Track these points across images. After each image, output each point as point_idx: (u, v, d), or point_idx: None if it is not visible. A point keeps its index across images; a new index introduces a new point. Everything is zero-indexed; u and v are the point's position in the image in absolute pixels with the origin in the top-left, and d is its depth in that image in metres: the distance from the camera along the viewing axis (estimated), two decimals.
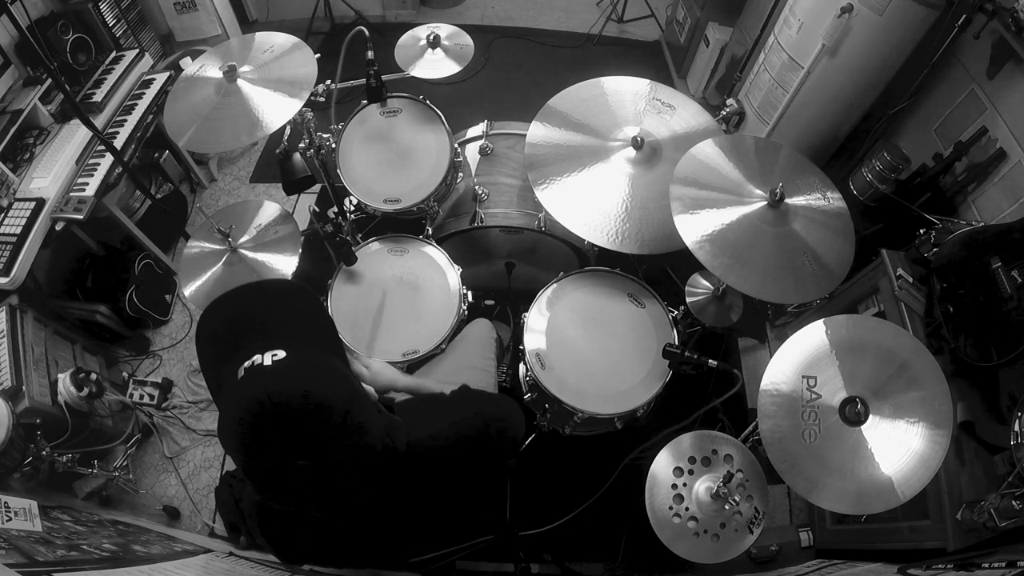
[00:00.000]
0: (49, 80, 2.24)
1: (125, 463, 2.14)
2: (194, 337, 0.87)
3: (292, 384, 0.69)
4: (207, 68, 1.68)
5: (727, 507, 1.32)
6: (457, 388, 1.13)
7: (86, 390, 1.93)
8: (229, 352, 0.75)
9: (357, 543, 0.97)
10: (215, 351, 0.83)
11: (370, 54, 1.67)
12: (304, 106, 1.60)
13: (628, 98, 1.85)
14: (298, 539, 0.93)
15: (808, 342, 1.30)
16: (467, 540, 1.45)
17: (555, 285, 1.81)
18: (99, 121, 2.33)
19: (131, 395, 2.33)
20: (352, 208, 2.13)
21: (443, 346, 1.73)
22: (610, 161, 1.73)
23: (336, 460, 0.71)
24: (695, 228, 1.46)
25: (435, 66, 1.90)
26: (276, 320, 0.84)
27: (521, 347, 1.71)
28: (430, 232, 1.94)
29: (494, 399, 1.11)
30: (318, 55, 1.66)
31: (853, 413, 1.23)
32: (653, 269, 2.13)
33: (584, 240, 1.73)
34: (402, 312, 1.78)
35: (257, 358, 0.71)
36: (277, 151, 1.97)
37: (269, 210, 1.81)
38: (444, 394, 1.12)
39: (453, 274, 1.84)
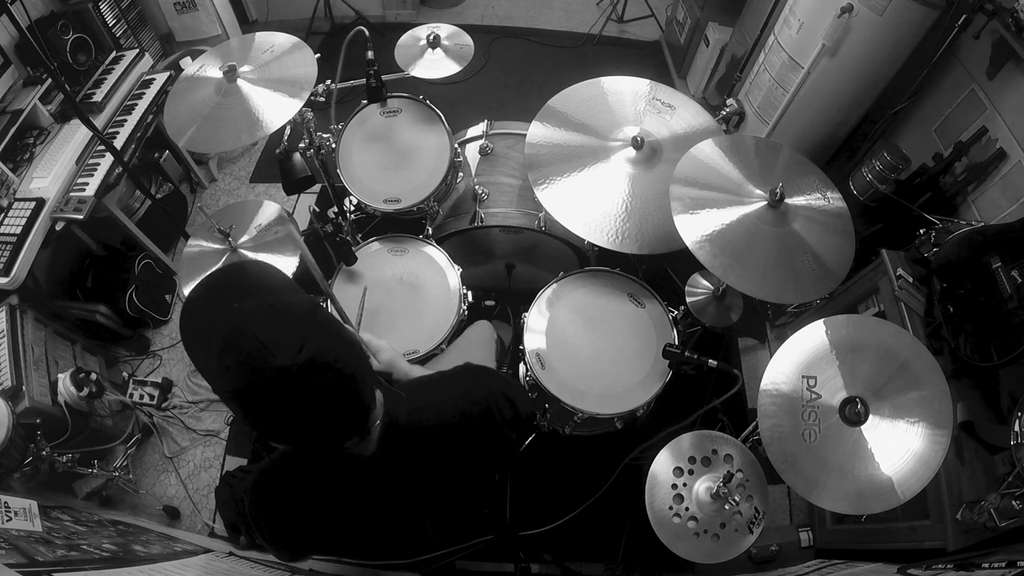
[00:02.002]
0: (49, 80, 2.24)
1: (125, 463, 2.14)
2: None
3: (255, 300, 0.74)
4: (207, 68, 1.68)
5: (727, 507, 1.32)
6: (459, 365, 1.13)
7: (86, 390, 1.93)
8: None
9: (359, 527, 0.97)
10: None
11: (370, 54, 1.67)
12: (304, 106, 1.60)
13: (628, 98, 1.85)
14: (299, 527, 0.93)
15: (808, 342, 1.30)
16: (467, 537, 1.45)
17: (555, 285, 1.81)
18: (99, 121, 2.33)
19: (131, 395, 2.33)
20: (352, 208, 2.13)
21: (443, 346, 1.73)
22: (610, 161, 1.73)
23: (307, 366, 0.68)
24: (695, 228, 1.46)
25: (435, 66, 1.90)
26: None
27: (521, 347, 1.71)
28: (430, 232, 1.94)
29: (495, 373, 1.10)
30: (318, 55, 1.66)
31: (853, 413, 1.23)
32: (653, 269, 2.13)
33: (584, 240, 1.73)
34: (402, 312, 1.78)
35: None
36: (277, 151, 1.97)
37: (269, 210, 1.81)
38: (447, 370, 1.11)
39: (453, 274, 1.84)
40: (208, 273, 0.85)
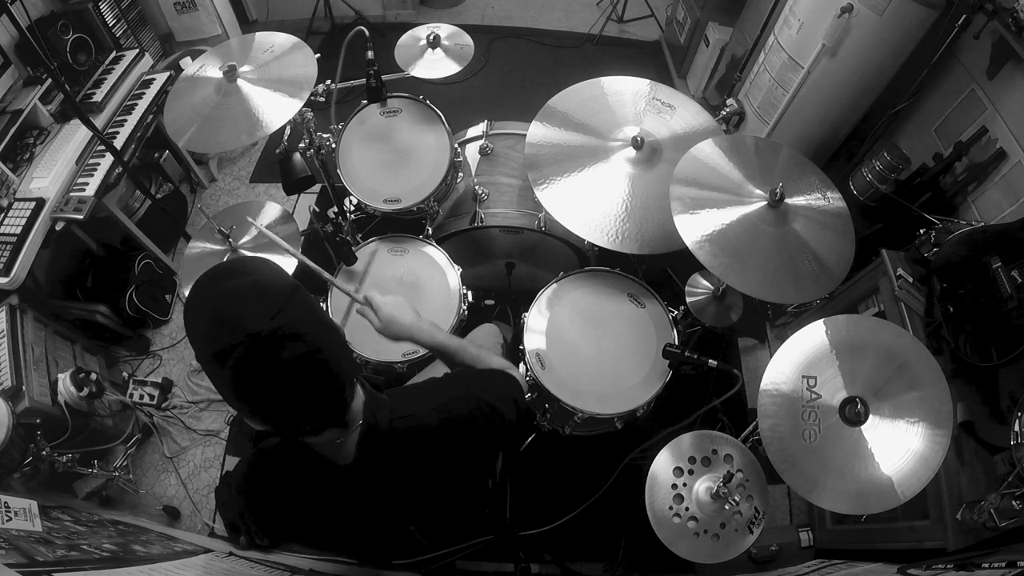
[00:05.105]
0: (49, 80, 2.24)
1: (125, 463, 2.14)
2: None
3: (243, 278, 0.76)
4: (207, 68, 1.68)
5: (727, 507, 1.32)
6: (450, 372, 1.12)
7: (86, 390, 1.93)
8: None
9: (338, 526, 0.97)
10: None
11: (370, 54, 1.67)
12: (304, 106, 1.60)
13: (628, 98, 1.85)
14: (281, 517, 0.93)
15: (808, 342, 1.30)
16: (467, 540, 1.45)
17: (555, 285, 1.81)
18: (99, 121, 2.33)
19: (131, 395, 2.33)
20: (352, 208, 2.13)
21: None
22: (610, 161, 1.73)
23: (276, 333, 0.70)
24: (695, 228, 1.46)
25: (435, 66, 1.90)
26: None
27: (521, 347, 1.71)
28: (430, 232, 1.94)
29: (487, 377, 1.08)
30: (318, 55, 1.66)
31: (853, 413, 1.23)
32: (653, 269, 2.13)
33: (584, 240, 1.73)
34: None
35: None
36: (277, 151, 1.97)
37: (270, 211, 1.81)
38: (437, 378, 1.10)
39: (453, 274, 1.84)
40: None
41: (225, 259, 1.69)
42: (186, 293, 1.67)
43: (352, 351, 0.92)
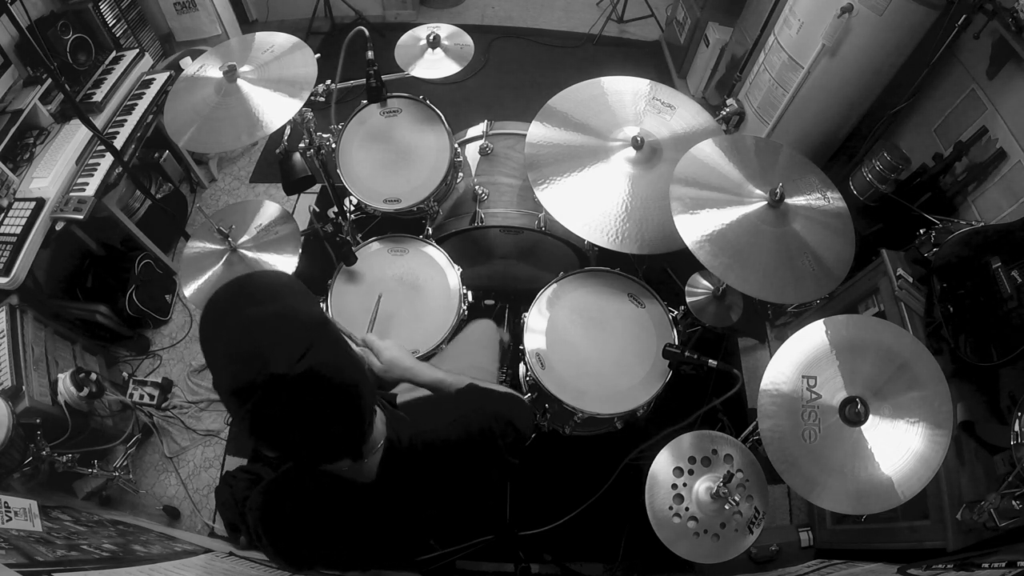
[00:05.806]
0: (49, 80, 2.24)
1: (125, 463, 2.14)
2: (198, 339, 0.87)
3: (267, 306, 0.72)
4: (207, 68, 1.68)
5: (727, 507, 1.32)
6: (463, 387, 1.13)
7: (86, 390, 1.93)
8: None
9: (363, 544, 0.97)
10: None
11: (370, 54, 1.67)
12: (304, 106, 1.60)
13: (628, 98, 1.85)
14: (304, 543, 0.93)
15: (808, 342, 1.30)
16: (467, 540, 1.45)
17: (555, 285, 1.81)
18: (99, 121, 2.33)
19: (131, 395, 2.33)
20: (352, 208, 2.13)
21: (443, 346, 1.73)
22: (610, 161, 1.73)
23: (303, 377, 0.67)
24: (695, 228, 1.46)
25: (435, 66, 1.90)
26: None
27: (521, 347, 1.71)
28: (430, 232, 1.94)
29: (500, 396, 1.10)
30: (318, 55, 1.66)
31: (853, 413, 1.23)
32: (653, 269, 2.13)
33: (584, 240, 1.73)
34: (402, 312, 1.78)
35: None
36: (277, 151, 1.97)
37: (269, 210, 1.81)
38: (450, 392, 1.11)
39: (453, 274, 1.84)
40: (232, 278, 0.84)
41: (223, 261, 1.69)
42: (186, 293, 1.67)
43: (371, 378, 0.91)
